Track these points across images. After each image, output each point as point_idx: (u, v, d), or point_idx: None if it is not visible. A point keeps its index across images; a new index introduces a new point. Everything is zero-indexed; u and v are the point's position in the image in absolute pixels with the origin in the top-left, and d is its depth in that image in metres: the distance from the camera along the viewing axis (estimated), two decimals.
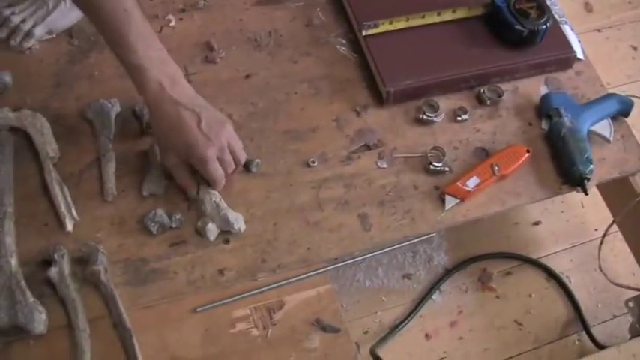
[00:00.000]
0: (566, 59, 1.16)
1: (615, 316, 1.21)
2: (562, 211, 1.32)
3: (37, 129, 0.96)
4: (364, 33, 1.10)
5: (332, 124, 1.06)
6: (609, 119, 1.10)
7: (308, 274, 0.93)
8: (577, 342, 1.18)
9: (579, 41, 1.19)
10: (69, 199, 0.92)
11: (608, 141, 1.09)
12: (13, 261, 0.85)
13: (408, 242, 1.09)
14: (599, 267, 1.09)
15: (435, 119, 1.07)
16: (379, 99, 1.08)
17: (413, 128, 1.07)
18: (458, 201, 1.00)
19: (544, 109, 1.09)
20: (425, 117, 1.07)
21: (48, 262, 0.87)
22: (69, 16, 1.06)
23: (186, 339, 0.86)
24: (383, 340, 1.12)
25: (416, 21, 1.12)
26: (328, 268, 0.95)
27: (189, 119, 0.88)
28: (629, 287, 1.10)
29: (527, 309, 1.20)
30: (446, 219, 1.00)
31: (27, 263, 0.87)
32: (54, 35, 1.06)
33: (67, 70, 1.04)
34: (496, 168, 1.02)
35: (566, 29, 1.18)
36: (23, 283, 0.84)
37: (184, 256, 0.91)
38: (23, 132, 0.96)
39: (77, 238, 0.90)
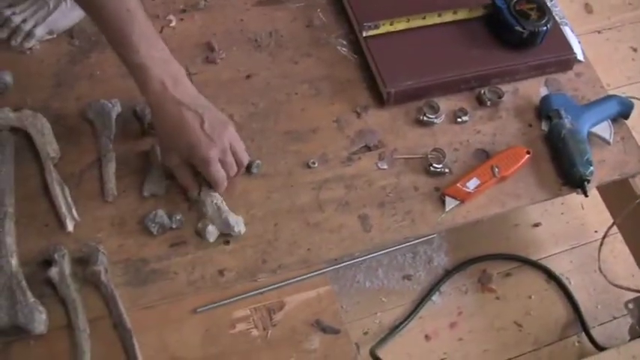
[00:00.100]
0: (566, 60, 1.16)
1: (615, 318, 1.22)
2: (562, 213, 1.32)
3: (38, 129, 0.96)
4: (365, 34, 1.10)
5: (332, 125, 1.06)
6: (609, 121, 1.10)
7: (308, 275, 0.93)
8: (577, 343, 1.18)
9: (579, 42, 1.19)
10: (69, 199, 0.92)
11: (608, 143, 1.09)
12: (14, 261, 0.85)
13: (408, 243, 1.09)
14: (599, 268, 1.08)
15: (435, 120, 1.07)
16: (380, 100, 1.08)
17: (413, 129, 1.07)
18: (458, 202, 1.00)
19: (544, 111, 1.09)
20: (425, 118, 1.07)
21: (48, 263, 0.87)
22: (70, 16, 1.06)
23: (187, 339, 0.86)
24: (383, 341, 1.12)
25: (416, 22, 1.12)
26: (328, 269, 0.95)
27: (192, 119, 0.88)
28: (629, 289, 1.10)
29: (527, 310, 1.20)
30: (446, 220, 1.00)
31: (27, 263, 0.87)
32: (55, 35, 1.06)
33: (67, 70, 1.04)
34: (496, 169, 1.02)
35: (567, 30, 1.18)
36: (24, 283, 0.84)
37: (184, 257, 0.91)
38: (24, 132, 0.96)
39: (77, 239, 0.90)
